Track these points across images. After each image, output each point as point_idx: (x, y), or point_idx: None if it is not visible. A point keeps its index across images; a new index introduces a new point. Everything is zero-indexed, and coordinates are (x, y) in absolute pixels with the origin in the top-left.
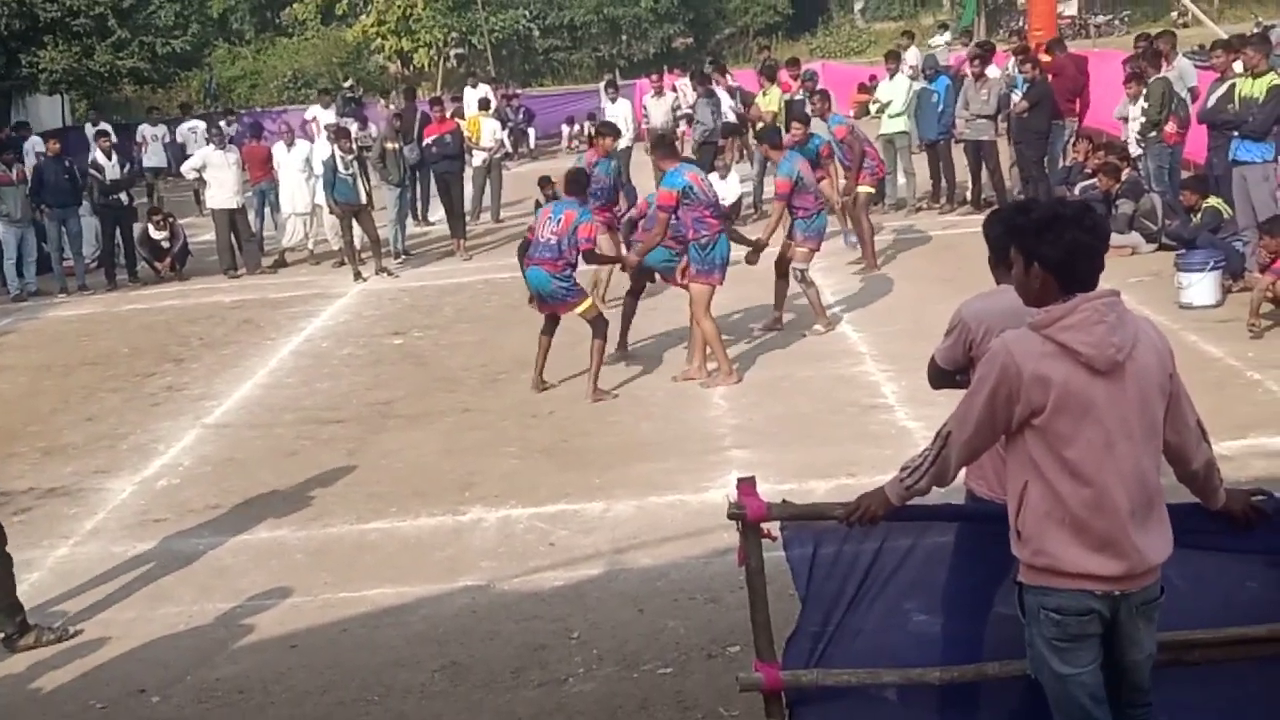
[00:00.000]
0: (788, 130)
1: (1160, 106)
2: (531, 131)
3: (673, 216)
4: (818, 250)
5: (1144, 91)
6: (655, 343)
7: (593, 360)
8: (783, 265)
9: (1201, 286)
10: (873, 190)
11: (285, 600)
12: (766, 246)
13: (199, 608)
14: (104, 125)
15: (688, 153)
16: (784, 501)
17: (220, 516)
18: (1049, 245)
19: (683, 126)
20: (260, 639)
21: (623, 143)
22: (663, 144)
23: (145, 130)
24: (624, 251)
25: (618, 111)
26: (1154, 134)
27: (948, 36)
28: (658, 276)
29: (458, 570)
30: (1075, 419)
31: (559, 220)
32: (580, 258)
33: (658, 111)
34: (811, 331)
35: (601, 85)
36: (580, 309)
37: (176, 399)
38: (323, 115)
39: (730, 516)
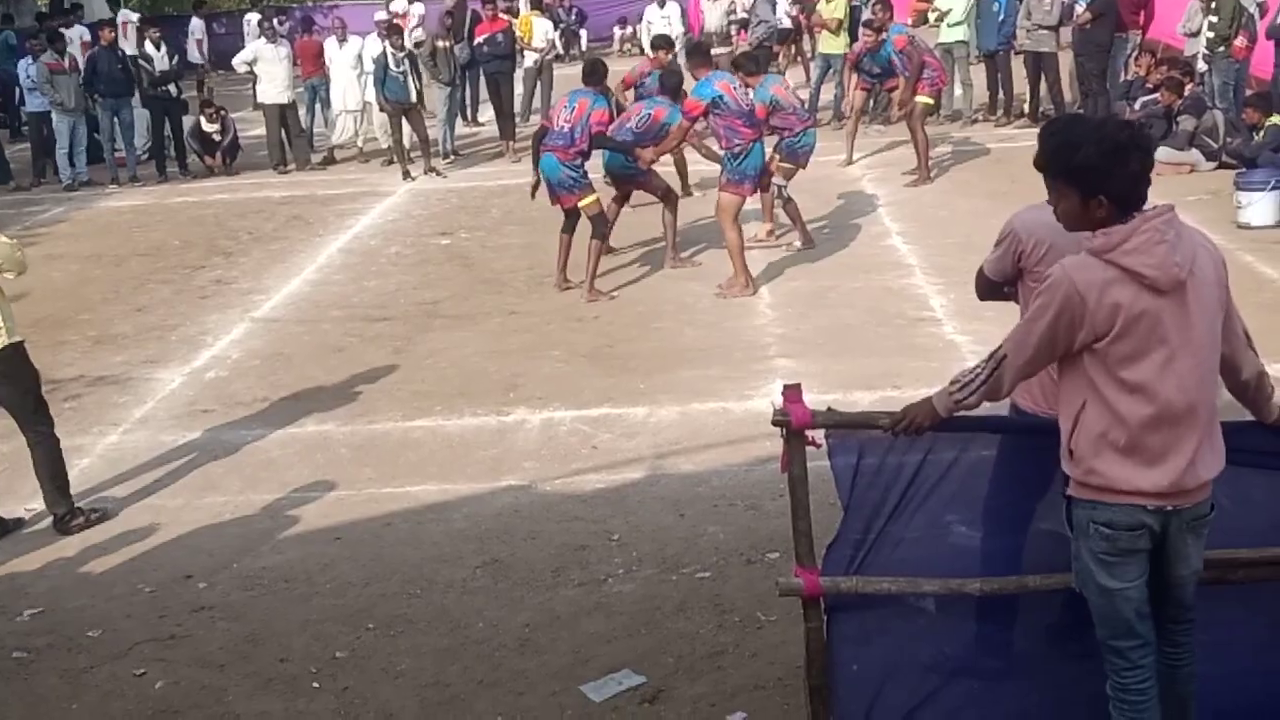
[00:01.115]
0: (853, 32)
1: (1231, 20)
2: (583, 33)
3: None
4: (802, 167)
5: (1213, 5)
6: (699, 252)
7: (590, 259)
8: (764, 179)
9: (1261, 206)
10: (931, 101)
11: (330, 493)
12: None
13: (245, 498)
14: (129, 14)
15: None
16: (829, 409)
17: (267, 409)
18: (1116, 179)
19: (735, 31)
20: (305, 530)
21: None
22: (698, 51)
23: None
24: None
25: (668, 13)
26: (1222, 49)
27: None
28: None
29: (501, 470)
30: (1140, 340)
31: (573, 108)
32: (591, 144)
33: (714, 14)
34: (789, 246)
35: None
36: (584, 202)
37: (225, 292)
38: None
39: (775, 423)
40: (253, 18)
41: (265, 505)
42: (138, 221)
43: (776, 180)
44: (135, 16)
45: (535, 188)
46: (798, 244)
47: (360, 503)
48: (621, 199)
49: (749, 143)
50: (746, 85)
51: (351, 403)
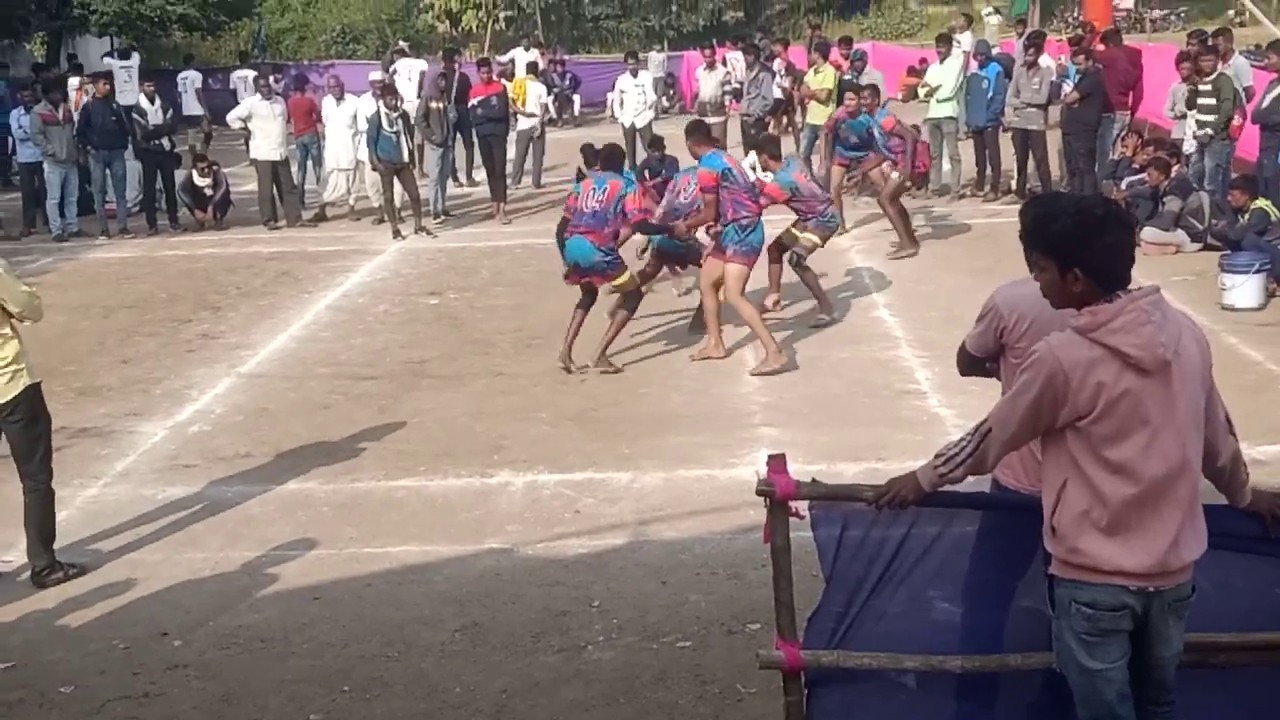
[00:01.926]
0: (840, 102)
1: (1232, 103)
2: (576, 98)
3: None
4: (822, 245)
5: (1211, 87)
6: (688, 318)
7: (611, 327)
8: (775, 250)
9: (1245, 288)
10: (898, 177)
11: (310, 552)
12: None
13: (225, 555)
14: (116, 62)
15: (734, 128)
16: (813, 481)
17: (250, 466)
18: (1093, 251)
19: (729, 100)
20: (284, 589)
21: (643, 119)
22: (698, 130)
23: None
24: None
25: (641, 82)
26: (1223, 132)
27: (997, 19)
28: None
29: (483, 532)
30: (1123, 420)
31: (603, 191)
32: (633, 229)
33: (709, 84)
34: (816, 321)
35: (624, 57)
36: (621, 281)
37: (212, 346)
38: (418, 66)
39: (759, 493)
40: (246, 74)
41: (245, 562)
42: (126, 274)
43: (798, 249)
44: (134, 61)
45: (569, 274)
46: (822, 316)
47: (341, 562)
48: (650, 275)
49: (754, 216)
50: (768, 169)
51: (335, 461)
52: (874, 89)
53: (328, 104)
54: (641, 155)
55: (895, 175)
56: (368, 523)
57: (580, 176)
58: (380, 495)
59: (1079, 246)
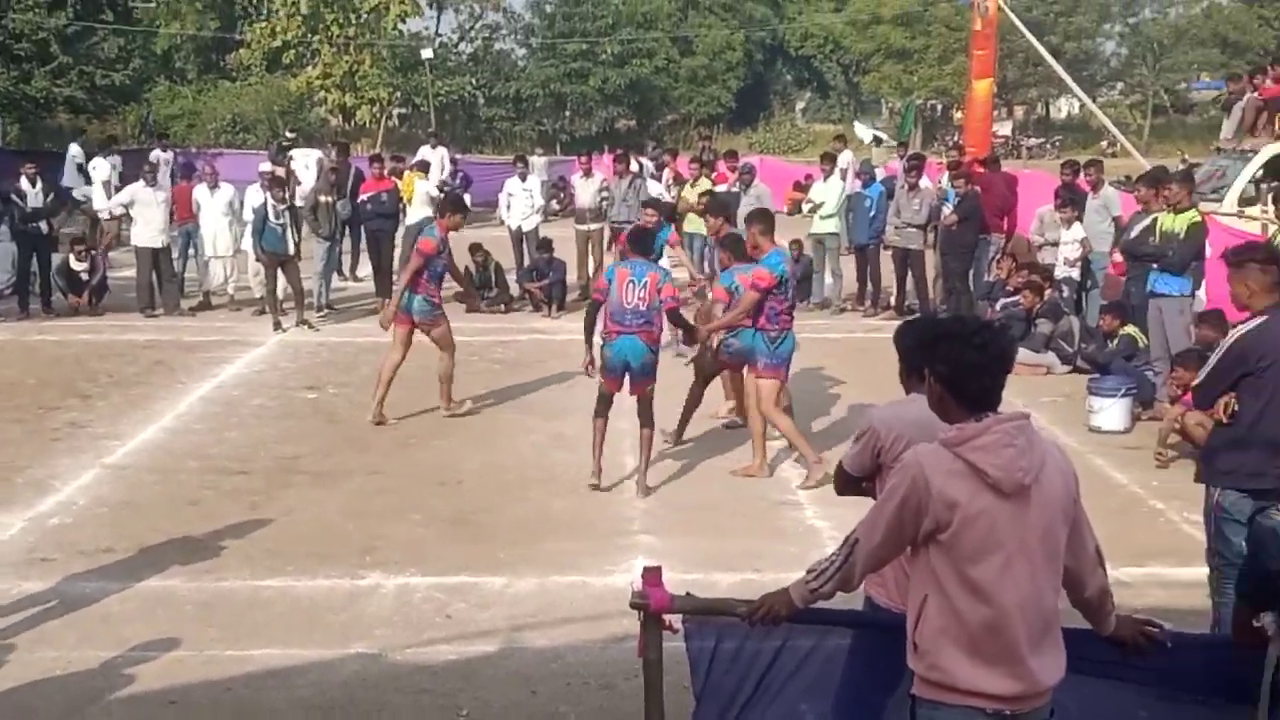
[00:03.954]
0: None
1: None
2: (467, 197)
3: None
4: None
5: (1077, 216)
6: (584, 424)
7: (643, 451)
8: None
9: (1112, 412)
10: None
11: (169, 653)
12: (704, 336)
13: (79, 654)
14: None
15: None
16: (688, 594)
17: (111, 561)
18: (940, 361)
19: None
20: (138, 692)
21: (530, 222)
22: (764, 219)
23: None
24: None
25: (530, 186)
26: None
27: (879, 150)
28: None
29: (350, 636)
30: (979, 539)
31: (644, 283)
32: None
33: (585, 192)
34: (731, 423)
35: (513, 160)
36: (651, 386)
37: (78, 436)
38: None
39: (633, 606)
40: (117, 160)
41: (100, 662)
42: None
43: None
44: None
45: (591, 365)
46: (737, 419)
47: (200, 664)
48: (705, 382)
49: (785, 328)
50: (725, 267)
51: (200, 558)
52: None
53: (200, 192)
54: (528, 258)
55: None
56: (231, 623)
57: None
58: (245, 595)
59: (930, 355)
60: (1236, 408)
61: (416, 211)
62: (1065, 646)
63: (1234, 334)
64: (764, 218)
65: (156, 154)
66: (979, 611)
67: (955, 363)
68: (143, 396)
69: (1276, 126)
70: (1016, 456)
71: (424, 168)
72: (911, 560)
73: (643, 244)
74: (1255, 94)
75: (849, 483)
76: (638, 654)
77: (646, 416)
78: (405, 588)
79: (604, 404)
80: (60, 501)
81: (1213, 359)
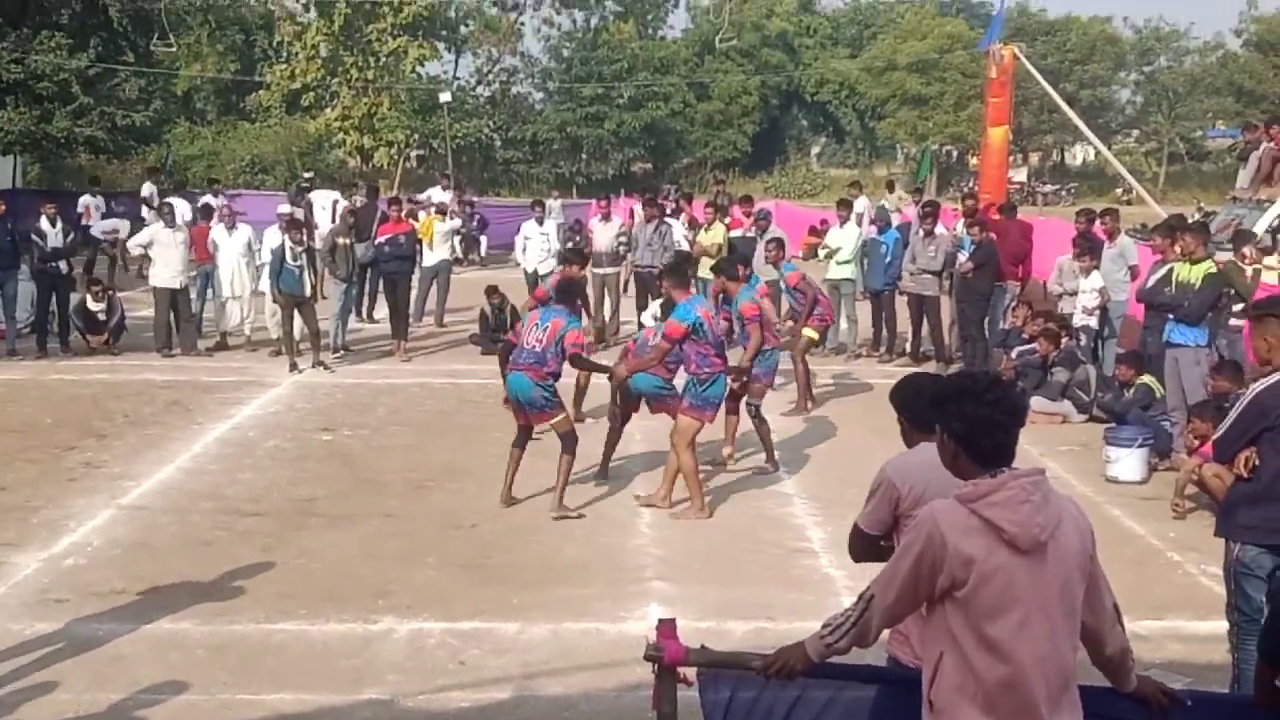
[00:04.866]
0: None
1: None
2: (484, 239)
3: (676, 349)
4: (770, 386)
5: (1095, 265)
6: (592, 466)
7: (560, 475)
8: (733, 401)
9: (1129, 462)
10: (816, 336)
11: (180, 696)
12: (749, 370)
13: (90, 696)
14: None
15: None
16: (703, 647)
17: (124, 602)
18: (954, 418)
19: (623, 251)
20: None
21: (546, 265)
22: (677, 272)
23: (87, 200)
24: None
25: (547, 230)
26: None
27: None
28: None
29: (363, 681)
30: (995, 596)
31: (546, 328)
32: (566, 363)
33: (604, 236)
34: (760, 469)
35: (530, 204)
36: (556, 421)
37: (94, 476)
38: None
39: (647, 658)
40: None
41: (111, 705)
42: (11, 396)
43: (752, 400)
44: None
45: (507, 402)
46: (767, 465)
47: (212, 709)
48: (625, 418)
49: (717, 371)
50: (725, 291)
51: (213, 600)
52: (779, 241)
53: (218, 232)
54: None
55: (807, 331)
56: (243, 667)
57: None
58: (258, 638)
59: (941, 412)
60: (1257, 462)
61: (435, 253)
62: (1086, 704)
63: (1255, 388)
64: (676, 271)
65: (208, 198)
66: (996, 669)
67: (968, 420)
68: (159, 437)
69: None
70: (1033, 512)
71: (441, 210)
72: (927, 617)
73: (566, 295)
74: (1271, 144)
75: (867, 547)
76: (652, 707)
77: (564, 444)
78: (419, 633)
79: (520, 434)
80: (75, 542)
81: (1233, 413)
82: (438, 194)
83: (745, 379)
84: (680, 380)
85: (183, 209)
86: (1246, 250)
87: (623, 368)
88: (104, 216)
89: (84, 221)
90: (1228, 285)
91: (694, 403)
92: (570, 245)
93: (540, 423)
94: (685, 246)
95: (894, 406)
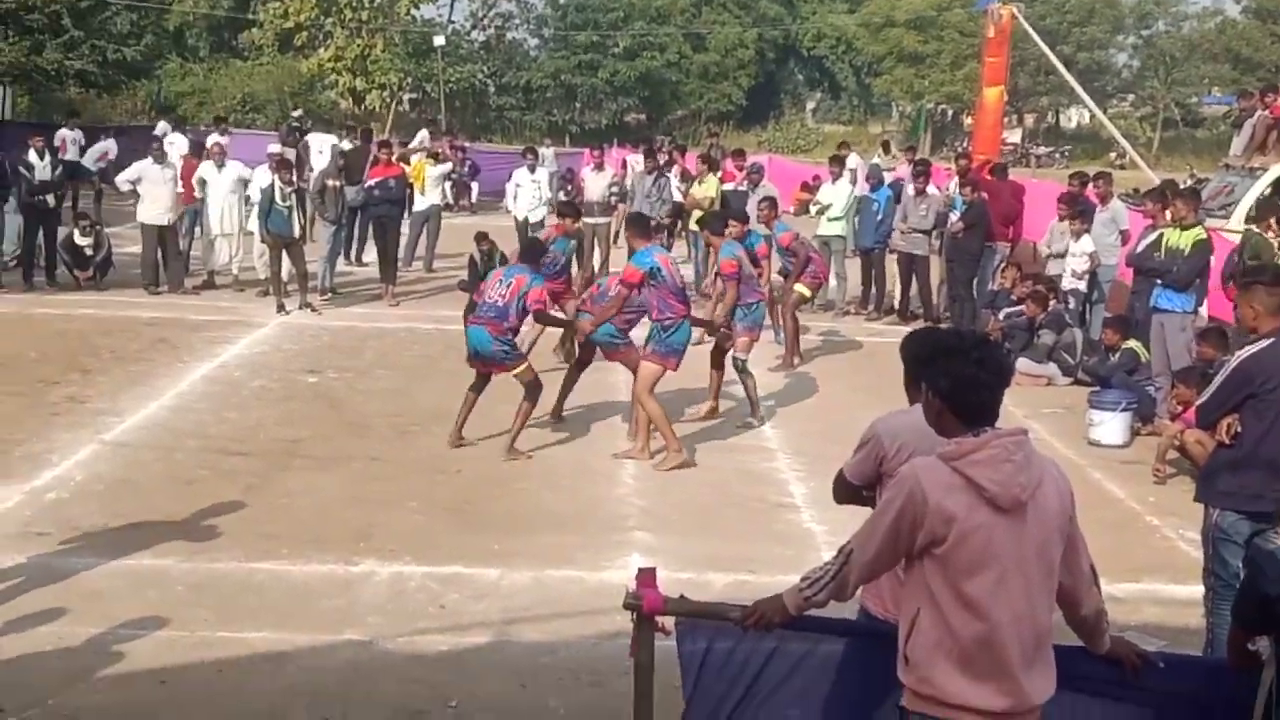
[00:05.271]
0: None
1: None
2: (475, 186)
3: (635, 294)
4: (756, 340)
5: (1086, 229)
6: (578, 415)
7: (517, 419)
8: (718, 354)
9: (1111, 425)
10: (808, 293)
11: (159, 632)
12: (721, 326)
13: (70, 629)
14: None
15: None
16: (681, 597)
17: (105, 538)
18: (939, 375)
19: (615, 200)
20: (128, 670)
21: (537, 214)
22: (638, 222)
23: (64, 134)
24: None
25: (538, 178)
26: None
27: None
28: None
29: (343, 622)
30: (974, 553)
31: (509, 284)
32: (530, 318)
33: (596, 186)
34: (744, 423)
35: (522, 151)
36: (518, 370)
37: (78, 410)
38: (329, 140)
39: (626, 606)
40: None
41: (90, 639)
42: None
43: (737, 354)
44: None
45: (470, 359)
46: (752, 420)
47: (191, 646)
48: (582, 364)
49: (680, 318)
50: (709, 245)
51: (195, 538)
52: (771, 201)
53: (208, 169)
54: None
55: (799, 287)
56: (223, 605)
57: (473, 264)
58: (239, 577)
59: (928, 369)
60: (1239, 429)
61: (426, 198)
62: (1059, 664)
63: (1239, 355)
64: (637, 221)
65: (215, 136)
66: (972, 626)
67: (954, 377)
68: (144, 374)
69: None
70: (1015, 472)
71: (434, 155)
72: (906, 573)
73: (530, 254)
74: (1266, 112)
75: (849, 491)
76: (630, 654)
77: (527, 392)
78: (399, 576)
79: (478, 380)
80: (57, 476)
81: (1217, 379)
82: (424, 137)
83: (718, 334)
84: (639, 333)
85: (180, 145)
86: (1273, 221)
87: (587, 322)
88: (82, 150)
89: (61, 155)
90: (1255, 257)
91: (657, 349)
92: (563, 196)
93: (500, 373)
94: (679, 198)
95: (903, 359)
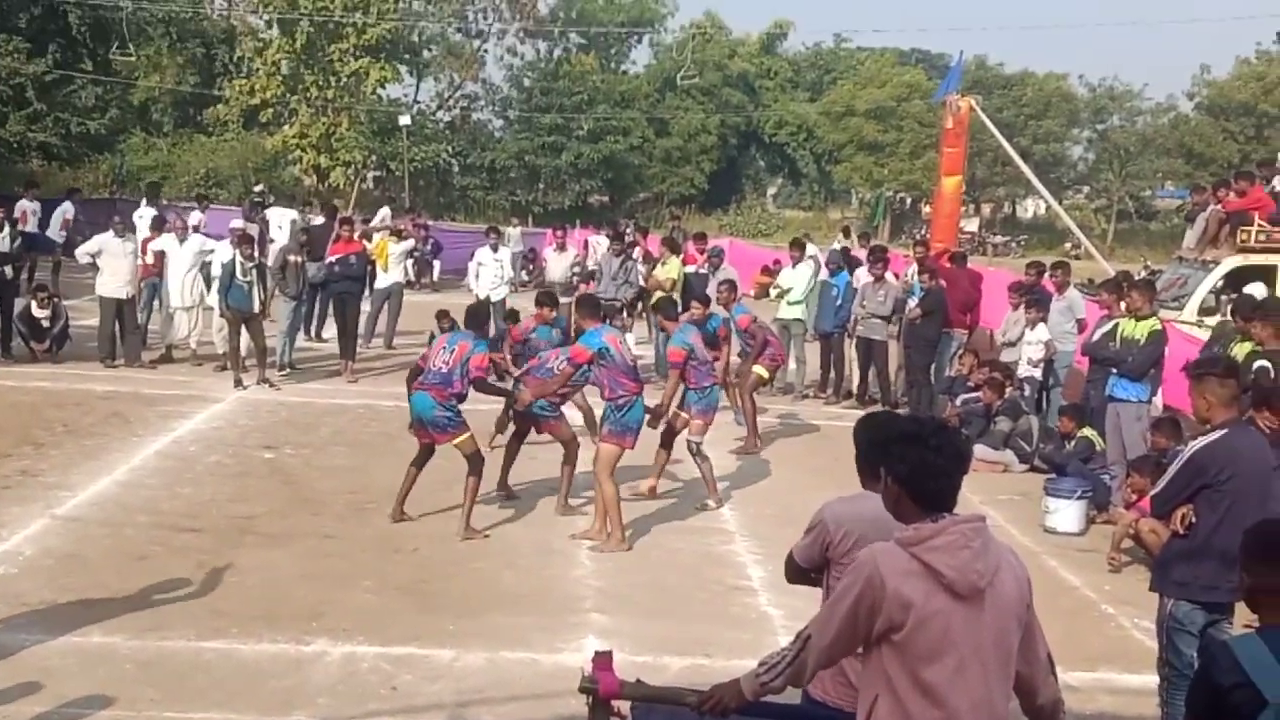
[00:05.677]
0: (685, 306)
1: None
2: (437, 264)
3: (579, 373)
4: (710, 423)
5: (1042, 317)
6: (530, 490)
7: (466, 497)
8: (668, 436)
9: (1067, 513)
10: (766, 375)
11: (105, 711)
12: (666, 413)
13: (15, 709)
14: None
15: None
16: (638, 681)
17: (53, 614)
18: (897, 461)
19: (578, 282)
20: None
21: (499, 293)
22: (587, 303)
23: (24, 205)
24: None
25: (500, 257)
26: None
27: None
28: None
29: (293, 703)
30: (932, 640)
31: (452, 350)
32: (470, 387)
33: (558, 266)
34: (702, 504)
35: (485, 230)
36: (459, 440)
37: (29, 485)
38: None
39: (582, 690)
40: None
41: (35, 717)
42: None
43: (691, 437)
44: None
45: (411, 427)
46: (710, 502)
47: None
48: (520, 436)
49: (633, 395)
50: (663, 329)
51: (144, 615)
52: (731, 284)
53: (168, 242)
54: (495, 328)
55: (757, 369)
56: (171, 684)
57: (433, 339)
58: (188, 656)
59: (886, 455)
60: (1194, 519)
61: (389, 275)
62: None
63: (1193, 446)
64: (586, 302)
65: (196, 213)
66: (930, 714)
67: (912, 463)
68: (97, 448)
69: (1238, 239)
70: (972, 559)
71: (396, 232)
72: (864, 658)
73: (475, 319)
74: (1218, 206)
75: (798, 572)
76: None
77: (470, 466)
78: (352, 656)
79: (420, 453)
80: (6, 550)
81: (1171, 469)
82: (387, 213)
83: (666, 420)
84: (569, 409)
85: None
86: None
87: (527, 393)
88: (41, 222)
89: (21, 226)
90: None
91: (613, 429)
92: (525, 276)
93: (442, 442)
94: (643, 281)
95: (856, 443)
